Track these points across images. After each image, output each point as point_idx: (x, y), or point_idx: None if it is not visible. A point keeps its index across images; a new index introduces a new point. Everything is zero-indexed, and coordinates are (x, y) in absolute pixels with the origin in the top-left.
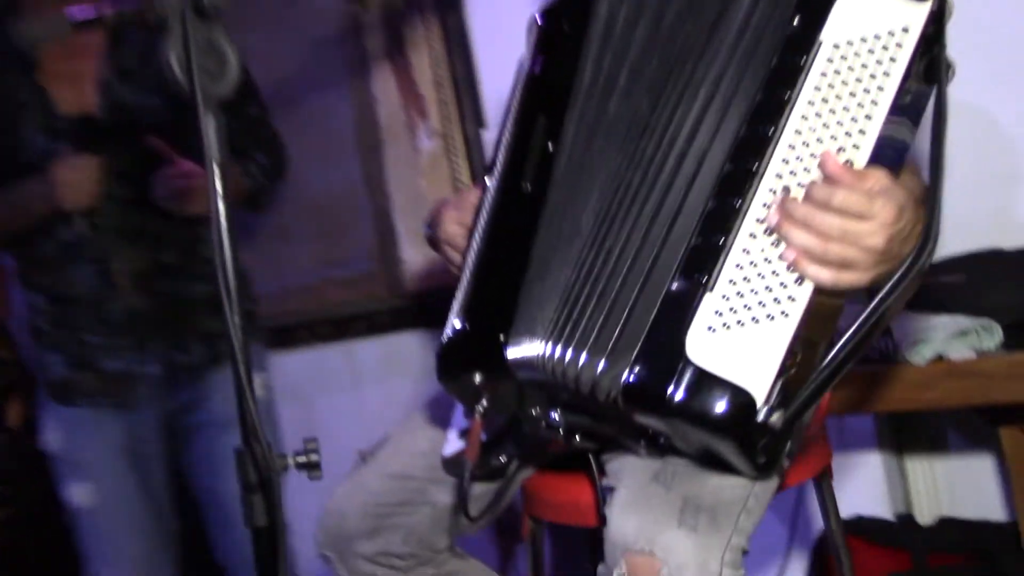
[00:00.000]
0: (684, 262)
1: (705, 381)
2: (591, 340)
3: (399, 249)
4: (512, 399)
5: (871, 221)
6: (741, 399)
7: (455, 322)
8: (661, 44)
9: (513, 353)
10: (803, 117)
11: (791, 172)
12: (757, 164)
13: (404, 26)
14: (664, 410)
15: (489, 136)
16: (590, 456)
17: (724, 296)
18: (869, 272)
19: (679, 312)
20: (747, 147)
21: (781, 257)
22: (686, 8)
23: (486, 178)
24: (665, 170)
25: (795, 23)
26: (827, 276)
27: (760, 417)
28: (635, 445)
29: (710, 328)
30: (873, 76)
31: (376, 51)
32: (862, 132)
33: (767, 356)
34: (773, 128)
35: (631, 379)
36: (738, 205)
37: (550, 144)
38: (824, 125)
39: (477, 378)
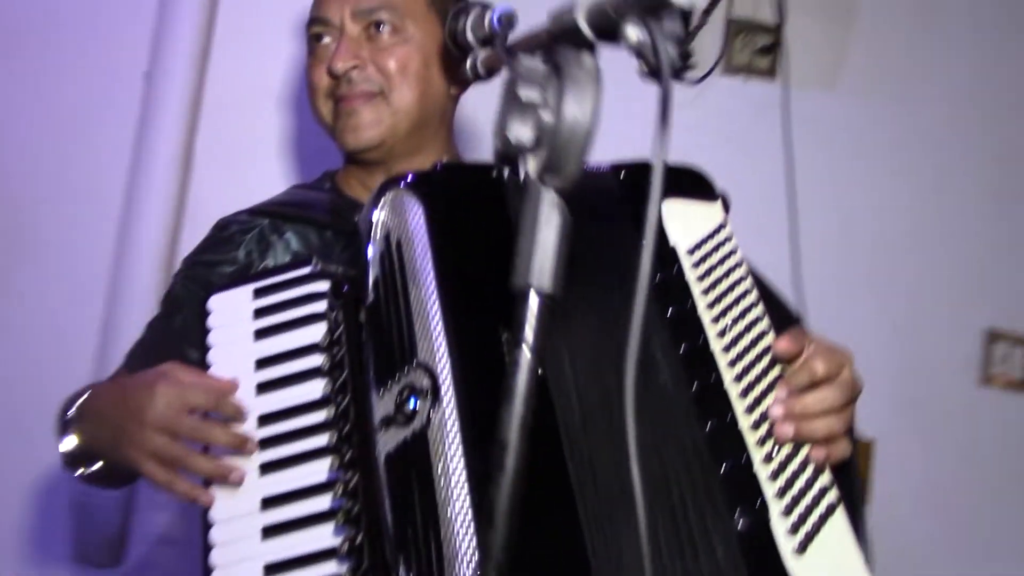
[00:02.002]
0: (729, 495)
1: None
2: None
3: None
4: None
5: (843, 368)
6: None
7: None
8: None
9: None
10: (713, 320)
11: (738, 361)
12: (713, 374)
13: None
14: None
15: None
16: None
17: (783, 512)
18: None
19: (764, 550)
20: (695, 362)
21: (804, 456)
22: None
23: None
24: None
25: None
26: (844, 447)
27: None
28: None
29: (797, 550)
30: (724, 262)
31: None
32: (755, 305)
33: (851, 546)
34: (701, 338)
35: None
36: (729, 419)
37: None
38: (732, 319)
39: None
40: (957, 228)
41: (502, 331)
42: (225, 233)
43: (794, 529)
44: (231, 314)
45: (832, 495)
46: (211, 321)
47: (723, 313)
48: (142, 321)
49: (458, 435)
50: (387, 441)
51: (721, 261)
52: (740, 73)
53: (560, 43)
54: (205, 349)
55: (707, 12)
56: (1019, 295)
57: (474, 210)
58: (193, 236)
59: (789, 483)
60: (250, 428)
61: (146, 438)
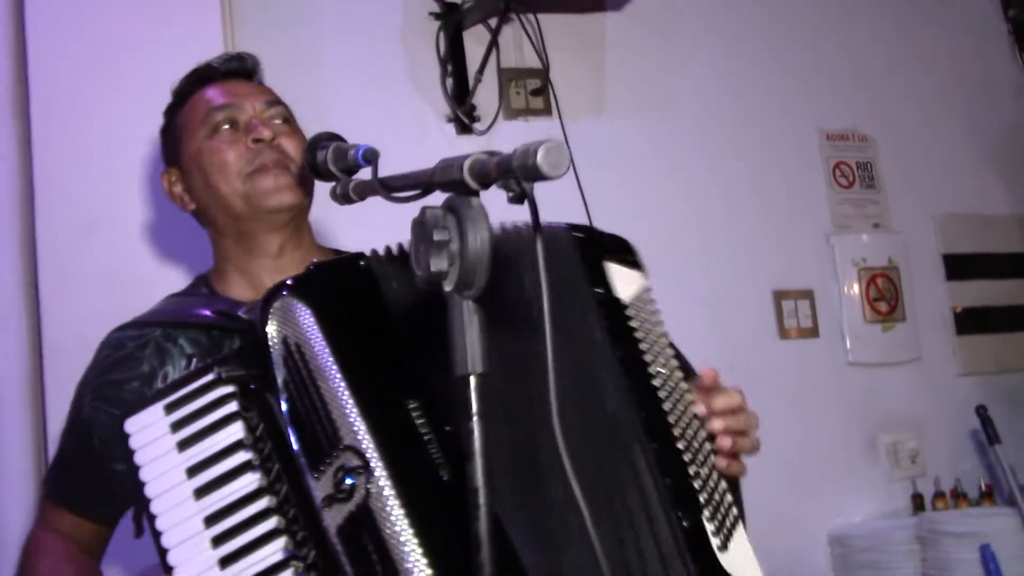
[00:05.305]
0: (676, 501)
1: None
2: None
3: None
4: None
5: (743, 403)
6: None
7: None
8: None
9: None
10: (644, 352)
11: (668, 397)
12: (654, 406)
13: None
14: None
15: None
16: None
17: (708, 518)
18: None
19: (702, 545)
20: (640, 395)
21: (719, 467)
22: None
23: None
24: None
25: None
26: (741, 466)
27: None
28: None
29: (720, 547)
30: (651, 317)
31: None
32: (674, 357)
33: (750, 550)
34: (643, 375)
35: None
36: (669, 441)
37: (446, 427)
38: (660, 365)
39: None
40: (729, 212)
41: (407, 401)
42: (123, 352)
43: (717, 531)
44: (150, 432)
45: (735, 509)
46: (132, 442)
47: (655, 358)
48: None
49: (396, 498)
50: (334, 516)
51: (649, 316)
52: (520, 116)
53: (446, 189)
54: (133, 467)
55: (480, 71)
56: (792, 259)
57: (354, 301)
58: None
59: (711, 496)
60: (199, 533)
61: None
